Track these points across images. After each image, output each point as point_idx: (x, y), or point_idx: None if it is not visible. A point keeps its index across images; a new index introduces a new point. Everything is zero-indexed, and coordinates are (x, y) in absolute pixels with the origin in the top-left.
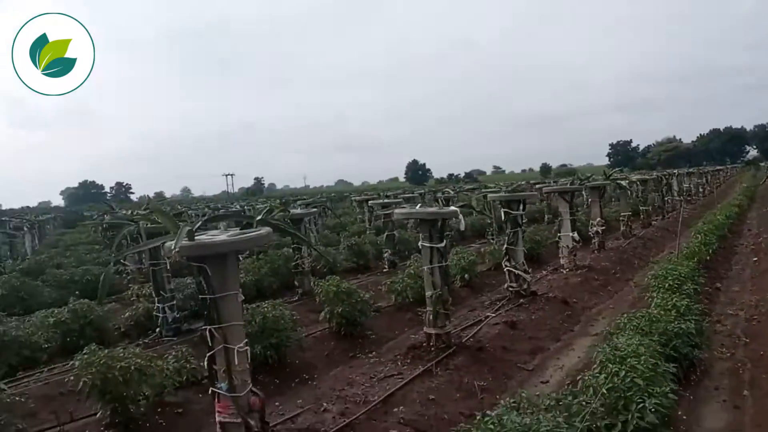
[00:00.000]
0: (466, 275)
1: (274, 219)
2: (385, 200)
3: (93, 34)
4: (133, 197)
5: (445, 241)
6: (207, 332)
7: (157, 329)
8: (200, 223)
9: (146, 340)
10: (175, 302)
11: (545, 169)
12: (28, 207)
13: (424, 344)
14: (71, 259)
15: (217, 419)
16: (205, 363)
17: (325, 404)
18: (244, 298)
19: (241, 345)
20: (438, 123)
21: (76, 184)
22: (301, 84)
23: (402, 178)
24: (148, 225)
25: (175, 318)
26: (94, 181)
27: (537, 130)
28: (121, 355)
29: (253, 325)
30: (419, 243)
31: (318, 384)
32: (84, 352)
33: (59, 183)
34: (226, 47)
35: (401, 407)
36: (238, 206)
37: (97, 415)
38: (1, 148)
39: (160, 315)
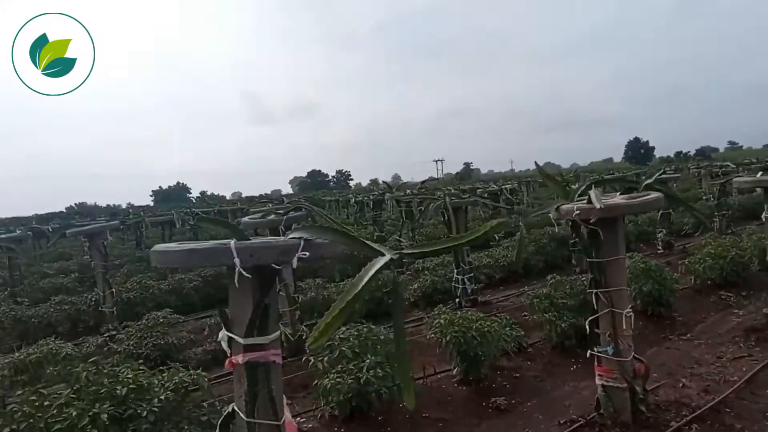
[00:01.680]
0: None
1: (657, 185)
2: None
3: (315, 33)
4: (351, 183)
5: None
6: (593, 296)
7: (456, 299)
8: (584, 187)
9: (445, 308)
10: (472, 274)
11: None
12: (265, 194)
13: (764, 326)
14: None
15: (598, 382)
16: (587, 325)
17: (682, 380)
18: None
19: (628, 310)
20: (660, 96)
21: (304, 174)
22: (506, 63)
23: (617, 158)
24: (454, 200)
25: (473, 289)
26: (320, 170)
27: None
28: (471, 316)
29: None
30: (763, 215)
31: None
32: (435, 312)
33: (288, 173)
34: (434, 34)
35: None
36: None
37: (454, 371)
38: (244, 143)
39: (459, 286)
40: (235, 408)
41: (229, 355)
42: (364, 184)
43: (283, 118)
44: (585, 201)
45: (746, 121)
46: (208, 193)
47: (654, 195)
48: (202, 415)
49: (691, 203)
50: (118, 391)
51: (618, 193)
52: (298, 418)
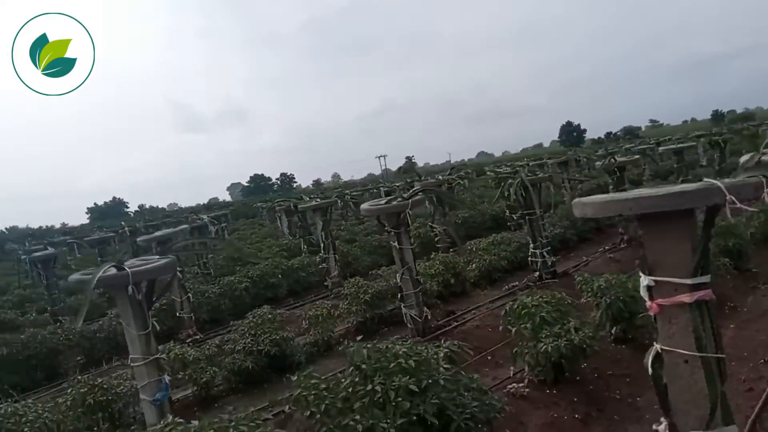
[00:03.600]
0: None
1: None
2: None
3: (245, 36)
4: (295, 185)
5: None
6: None
7: (536, 273)
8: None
9: (529, 283)
10: (549, 247)
11: (717, 116)
12: (200, 204)
13: None
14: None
15: None
16: None
17: None
18: None
19: None
20: (583, 84)
21: (243, 180)
22: (433, 59)
23: (546, 144)
24: (530, 176)
25: (552, 261)
26: (262, 174)
27: (700, 74)
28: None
29: None
30: None
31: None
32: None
33: (225, 180)
34: (360, 33)
35: None
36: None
37: (612, 331)
38: (177, 153)
39: (539, 260)
40: (662, 348)
41: (648, 299)
42: (304, 185)
43: (214, 124)
44: None
45: (663, 100)
46: (147, 206)
47: None
48: (469, 379)
49: None
50: (404, 364)
51: None
52: (507, 386)
